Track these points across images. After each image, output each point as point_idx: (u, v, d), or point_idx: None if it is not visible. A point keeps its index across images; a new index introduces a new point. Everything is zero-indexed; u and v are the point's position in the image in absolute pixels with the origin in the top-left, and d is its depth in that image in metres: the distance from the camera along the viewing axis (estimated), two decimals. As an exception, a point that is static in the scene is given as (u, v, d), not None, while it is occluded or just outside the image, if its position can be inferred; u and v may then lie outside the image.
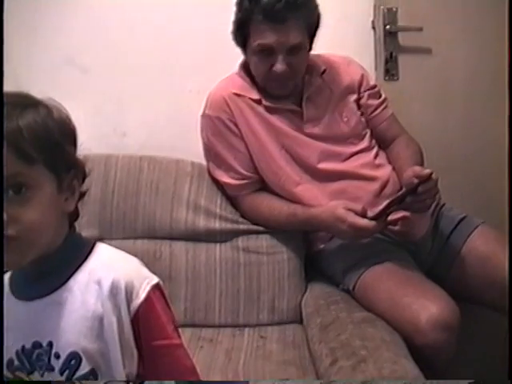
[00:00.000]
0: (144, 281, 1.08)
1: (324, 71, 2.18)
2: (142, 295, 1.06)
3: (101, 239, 1.84)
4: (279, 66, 2.00)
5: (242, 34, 2.04)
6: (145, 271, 1.13)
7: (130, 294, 1.06)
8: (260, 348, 1.95)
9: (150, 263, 1.80)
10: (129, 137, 2.47)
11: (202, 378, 1.69)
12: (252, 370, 1.81)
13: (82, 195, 1.13)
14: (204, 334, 2.05)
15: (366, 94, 2.21)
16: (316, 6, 2.03)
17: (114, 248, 1.15)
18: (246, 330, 2.08)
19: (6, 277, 1.14)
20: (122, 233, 2.16)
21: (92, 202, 2.14)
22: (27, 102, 1.05)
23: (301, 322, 2.10)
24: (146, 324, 1.07)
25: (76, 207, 1.12)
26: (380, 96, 2.25)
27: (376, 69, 2.50)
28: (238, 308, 2.12)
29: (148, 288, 1.07)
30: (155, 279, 1.11)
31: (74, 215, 1.14)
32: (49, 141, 1.03)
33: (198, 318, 2.12)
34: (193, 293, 2.12)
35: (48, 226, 1.04)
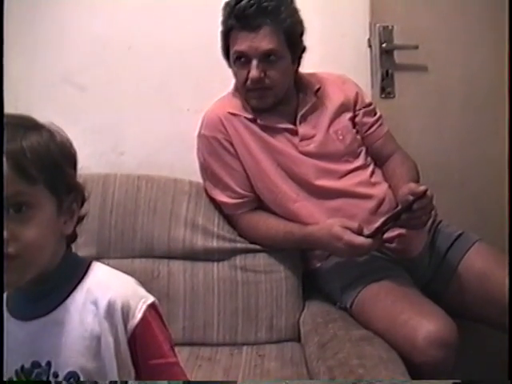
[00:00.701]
0: (140, 300, 1.09)
1: (318, 89, 2.19)
2: (139, 315, 1.07)
3: (99, 258, 1.85)
4: (253, 72, 2.01)
5: (224, 45, 2.08)
6: (141, 291, 1.13)
7: (126, 314, 1.07)
8: (258, 366, 1.95)
9: (148, 282, 1.82)
10: (127, 155, 2.47)
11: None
12: (250, 389, 1.81)
13: (81, 219, 1.15)
14: (202, 352, 2.05)
15: (361, 111, 2.22)
16: (293, 14, 2.04)
17: (109, 267, 1.16)
18: (244, 348, 2.08)
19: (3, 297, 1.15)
20: (120, 252, 2.16)
21: (90, 220, 2.14)
22: (30, 125, 1.07)
23: (299, 340, 2.10)
24: (143, 343, 1.08)
25: (74, 229, 1.13)
26: (375, 113, 2.26)
27: (372, 86, 2.51)
28: (236, 326, 2.13)
29: (144, 308, 1.08)
30: (151, 298, 1.11)
31: (72, 237, 1.15)
32: (50, 163, 1.04)
33: (196, 336, 2.12)
34: (191, 311, 2.12)
35: (46, 246, 1.05)
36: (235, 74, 2.11)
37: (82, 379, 1.05)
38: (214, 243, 2.18)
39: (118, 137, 2.49)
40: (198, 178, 2.25)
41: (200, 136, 2.17)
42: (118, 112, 2.47)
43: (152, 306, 1.10)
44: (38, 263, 1.05)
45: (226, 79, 2.20)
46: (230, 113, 2.14)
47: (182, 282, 2.15)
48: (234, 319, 2.13)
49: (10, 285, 1.07)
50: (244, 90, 2.09)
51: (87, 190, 1.14)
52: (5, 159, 0.99)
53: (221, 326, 2.12)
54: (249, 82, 2.04)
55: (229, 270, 2.17)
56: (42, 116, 1.13)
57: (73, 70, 2.45)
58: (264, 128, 2.13)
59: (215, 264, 2.17)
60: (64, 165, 1.08)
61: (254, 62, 2.01)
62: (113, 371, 1.06)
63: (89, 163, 2.22)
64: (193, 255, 2.18)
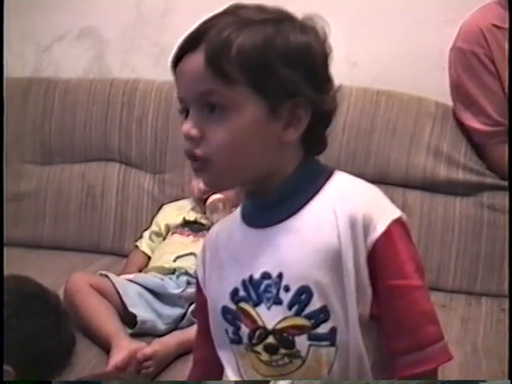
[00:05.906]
0: (384, 213, 1.00)
1: None
2: (381, 229, 0.98)
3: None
4: None
5: None
6: (386, 203, 1.03)
7: (367, 226, 0.98)
8: (501, 322, 1.81)
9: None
10: (360, 67, 2.30)
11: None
12: (493, 346, 1.69)
13: None
14: (434, 297, 1.86)
15: None
16: None
17: (353, 177, 1.07)
18: (484, 299, 1.96)
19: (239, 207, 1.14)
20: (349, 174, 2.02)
21: (318, 137, 2.04)
22: (257, 19, 0.99)
23: (546, 297, 1.94)
24: (383, 260, 0.99)
25: (322, 138, 1.08)
26: None
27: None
28: (476, 273, 2.00)
29: (388, 221, 0.98)
30: (397, 213, 1.01)
31: (315, 146, 1.07)
32: (260, 63, 0.97)
33: (428, 279, 1.90)
34: (425, 250, 2.01)
35: (244, 150, 0.99)
36: None
37: (315, 295, 0.99)
38: (460, 175, 2.03)
39: (349, 46, 2.27)
40: (443, 99, 2.08)
41: (454, 49, 1.97)
42: (351, 18, 2.26)
43: (398, 221, 1.00)
44: (238, 167, 1.00)
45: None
46: (494, 25, 1.92)
47: (418, 215, 2.04)
48: (474, 265, 2.00)
49: (208, 185, 1.07)
50: None
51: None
52: (202, 55, 0.96)
53: (458, 271, 2.01)
54: None
55: (474, 207, 2.02)
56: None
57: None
58: None
59: (458, 199, 2.04)
60: (279, 67, 0.98)
61: None
62: (350, 289, 0.98)
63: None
64: (433, 186, 2.05)
